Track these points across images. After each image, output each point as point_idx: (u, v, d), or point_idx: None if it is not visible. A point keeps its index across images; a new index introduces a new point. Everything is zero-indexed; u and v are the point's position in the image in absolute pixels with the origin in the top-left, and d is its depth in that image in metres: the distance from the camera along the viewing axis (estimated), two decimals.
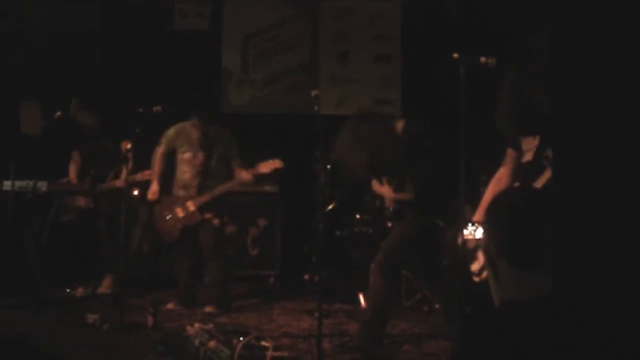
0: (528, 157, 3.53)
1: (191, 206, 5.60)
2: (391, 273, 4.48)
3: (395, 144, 4.42)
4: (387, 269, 4.45)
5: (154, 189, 5.69)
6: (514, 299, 1.81)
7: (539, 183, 3.41)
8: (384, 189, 4.67)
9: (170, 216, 5.66)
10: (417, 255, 4.63)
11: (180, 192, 5.69)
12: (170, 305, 5.63)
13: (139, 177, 5.76)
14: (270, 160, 5.50)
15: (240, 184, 5.67)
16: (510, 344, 1.70)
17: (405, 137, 4.55)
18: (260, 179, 5.84)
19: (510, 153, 3.68)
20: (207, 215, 5.60)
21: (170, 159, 5.75)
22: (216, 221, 5.62)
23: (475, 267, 3.53)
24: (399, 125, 4.64)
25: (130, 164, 5.84)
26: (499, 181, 3.72)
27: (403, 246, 4.54)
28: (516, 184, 3.59)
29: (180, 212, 5.63)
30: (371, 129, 4.35)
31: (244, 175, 5.55)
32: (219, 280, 5.62)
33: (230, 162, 5.69)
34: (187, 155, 5.66)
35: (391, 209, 4.65)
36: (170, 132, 5.76)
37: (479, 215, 3.61)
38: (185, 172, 5.68)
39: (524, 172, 3.57)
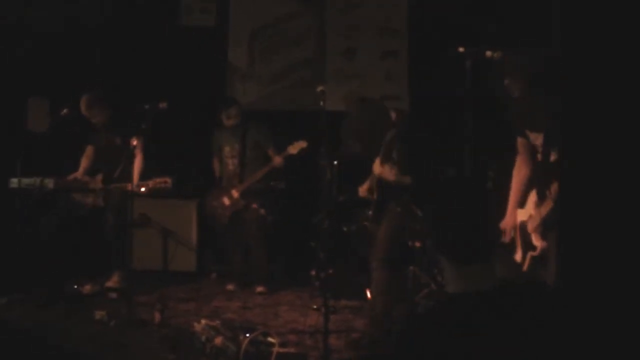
0: (540, 154, 3.53)
1: (235, 193, 6.27)
2: (394, 266, 4.50)
3: (388, 128, 4.56)
4: (390, 262, 4.47)
5: None
6: (455, 292, 1.83)
7: (552, 194, 3.39)
8: (385, 170, 4.58)
9: (218, 205, 6.34)
10: None
11: (226, 183, 6.39)
12: (230, 287, 6.29)
13: (152, 184, 5.63)
14: (296, 142, 6.14)
15: (273, 168, 6.23)
16: (452, 337, 1.72)
17: (398, 125, 4.63)
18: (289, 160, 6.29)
19: (520, 142, 3.69)
20: (254, 205, 6.24)
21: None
22: (262, 211, 6.27)
23: (517, 256, 3.55)
24: (393, 115, 4.69)
25: (140, 161, 5.88)
26: (519, 170, 3.73)
27: (399, 237, 4.60)
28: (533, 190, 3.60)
29: (226, 201, 6.32)
30: (367, 112, 4.51)
31: (276, 159, 6.19)
32: (265, 263, 6.28)
33: (266, 150, 6.33)
34: (227, 149, 6.36)
35: (370, 212, 4.77)
36: (213, 138, 6.47)
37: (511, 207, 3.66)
38: (228, 165, 6.39)
39: (538, 177, 3.57)
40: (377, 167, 4.67)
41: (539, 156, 3.53)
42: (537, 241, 3.47)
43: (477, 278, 1.80)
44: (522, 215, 3.63)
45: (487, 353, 1.71)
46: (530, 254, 3.49)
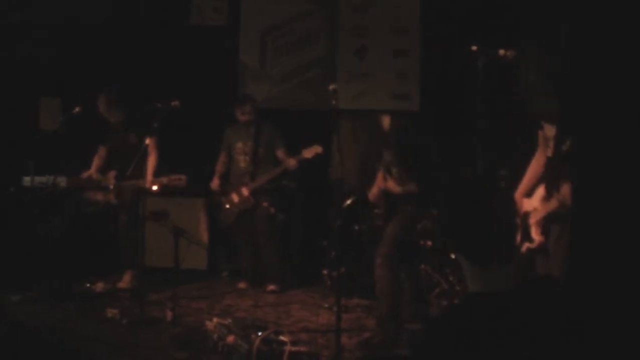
0: (551, 148, 3.51)
1: (245, 191, 6.24)
2: (397, 264, 4.50)
3: (384, 140, 4.59)
4: (393, 260, 4.47)
5: (215, 183, 6.41)
6: (476, 292, 1.81)
7: (560, 194, 3.39)
8: (389, 184, 4.67)
9: (227, 202, 6.33)
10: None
11: (235, 180, 6.34)
12: (241, 285, 6.33)
13: (166, 180, 5.63)
14: (312, 147, 6.06)
15: (286, 170, 6.20)
16: (471, 337, 1.71)
17: (393, 131, 4.63)
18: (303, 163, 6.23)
19: (541, 134, 3.69)
20: (264, 203, 6.22)
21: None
22: (272, 209, 6.27)
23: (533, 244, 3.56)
24: (386, 120, 4.69)
25: (153, 160, 5.90)
26: (537, 160, 3.72)
27: (405, 236, 4.59)
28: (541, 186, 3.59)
29: (235, 198, 6.29)
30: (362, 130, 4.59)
31: (291, 161, 6.11)
32: (276, 261, 6.24)
33: (276, 150, 6.30)
34: (239, 145, 6.31)
35: (379, 212, 4.76)
36: (225, 134, 6.43)
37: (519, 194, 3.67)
38: (239, 161, 6.34)
39: (548, 171, 3.55)
40: (381, 181, 4.70)
41: (549, 150, 3.51)
42: (536, 235, 3.49)
43: (496, 279, 1.79)
44: (527, 205, 3.64)
45: (503, 353, 1.70)
46: (527, 244, 3.52)
